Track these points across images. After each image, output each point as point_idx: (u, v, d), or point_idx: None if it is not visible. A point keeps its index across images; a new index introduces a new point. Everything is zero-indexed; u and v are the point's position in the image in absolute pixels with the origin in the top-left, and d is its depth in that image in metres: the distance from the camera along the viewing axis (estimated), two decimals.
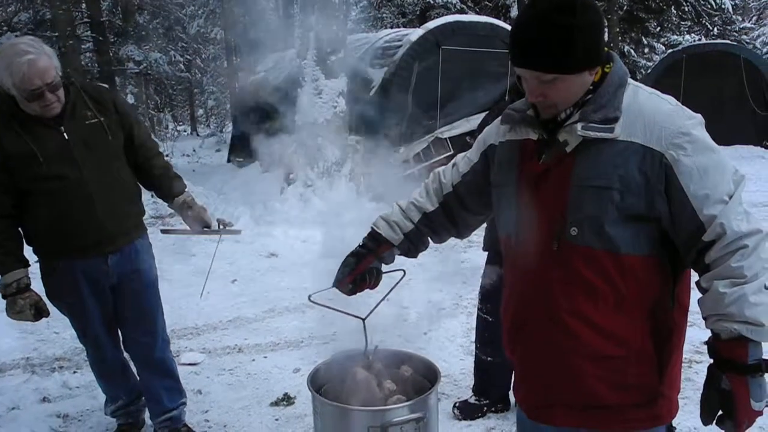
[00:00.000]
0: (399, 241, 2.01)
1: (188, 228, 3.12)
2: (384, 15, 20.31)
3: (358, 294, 2.05)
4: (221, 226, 3.09)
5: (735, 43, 16.08)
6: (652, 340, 1.65)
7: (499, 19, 14.46)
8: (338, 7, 8.52)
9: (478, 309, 3.37)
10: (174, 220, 7.98)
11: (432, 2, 17.29)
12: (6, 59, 2.50)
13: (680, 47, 15.59)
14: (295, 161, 8.59)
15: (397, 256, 2.07)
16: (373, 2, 19.09)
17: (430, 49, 9.52)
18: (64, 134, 2.67)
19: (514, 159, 1.77)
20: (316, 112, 8.50)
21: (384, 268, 2.06)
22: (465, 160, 1.98)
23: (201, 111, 32.58)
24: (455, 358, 4.11)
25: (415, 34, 9.64)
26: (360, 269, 1.99)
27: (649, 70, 16.34)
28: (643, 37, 19.95)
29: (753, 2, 32.38)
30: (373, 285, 2.02)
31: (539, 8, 1.58)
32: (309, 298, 1.99)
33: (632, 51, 19.69)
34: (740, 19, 26.23)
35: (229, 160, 13.41)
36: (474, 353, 3.47)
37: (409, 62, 9.37)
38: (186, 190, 3.12)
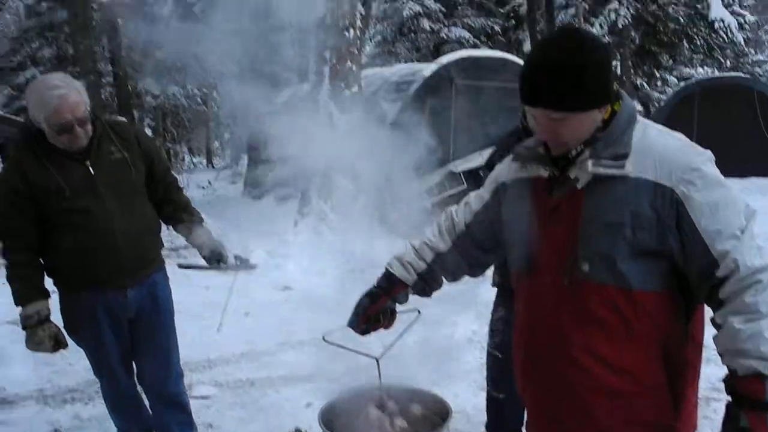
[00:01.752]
0: (413, 281, 2.02)
1: (205, 263, 3.14)
2: (399, 50, 20.57)
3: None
4: (238, 262, 3.11)
5: (749, 76, 16.09)
6: (665, 375, 1.64)
7: (512, 53, 14.62)
8: (353, 42, 8.65)
9: (488, 345, 3.35)
10: (188, 252, 8.02)
11: (445, 37, 17.52)
12: (38, 93, 2.59)
13: (693, 80, 15.62)
14: (309, 195, 8.65)
15: (411, 296, 2.08)
16: (387, 37, 19.35)
17: (444, 83, 9.63)
18: (90, 168, 2.74)
19: (526, 196, 1.79)
20: (330, 146, 8.57)
21: (398, 308, 2.07)
22: (477, 198, 2.00)
23: (217, 143, 32.98)
24: (468, 394, 4.07)
25: (428, 69, 9.76)
26: (374, 309, 2.00)
27: (662, 103, 16.37)
28: (655, 71, 20.04)
29: (766, 36, 32.49)
30: (388, 325, 2.03)
31: (548, 48, 1.61)
32: (323, 338, 2.00)
33: (645, 84, 19.76)
34: (753, 52, 26.30)
35: (244, 193, 13.51)
36: (486, 389, 3.43)
37: (423, 97, 9.47)
38: (204, 224, 3.17)
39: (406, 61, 18.25)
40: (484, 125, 9.93)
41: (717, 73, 18.88)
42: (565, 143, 1.67)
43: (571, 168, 1.68)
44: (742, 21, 17.66)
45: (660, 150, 1.61)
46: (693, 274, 1.58)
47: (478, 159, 9.73)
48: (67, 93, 2.58)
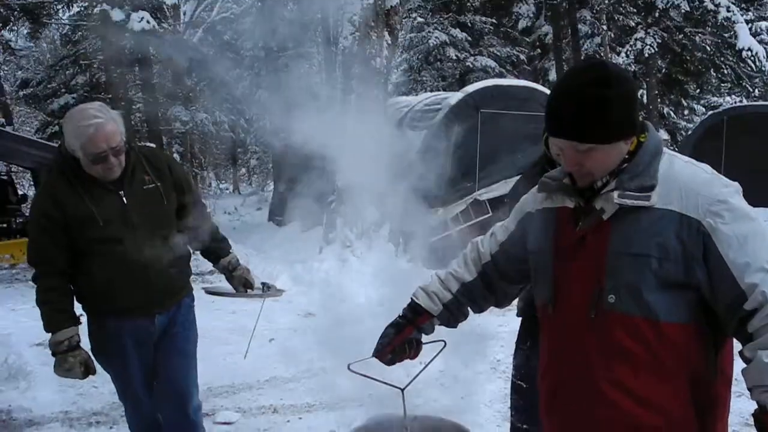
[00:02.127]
0: (438, 312, 2.01)
1: (232, 289, 3.15)
2: (424, 78, 20.73)
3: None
4: (265, 289, 3.13)
5: None
6: (693, 409, 1.62)
7: (538, 82, 14.64)
8: (380, 71, 8.75)
9: (513, 375, 3.32)
10: (214, 277, 8.09)
11: (471, 66, 17.64)
12: (75, 122, 2.61)
13: (721, 109, 15.47)
14: (334, 221, 8.70)
15: (437, 326, 2.08)
16: (414, 66, 19.53)
17: (470, 112, 9.66)
18: (123, 198, 2.75)
19: (551, 226, 1.79)
20: (356, 174, 8.64)
21: (424, 338, 2.07)
22: (502, 228, 2.00)
23: (243, 170, 33.36)
24: (492, 424, 4.03)
25: (454, 97, 9.81)
26: (399, 340, 2.00)
27: (689, 132, 16.23)
28: (682, 99, 19.92)
29: None
30: (413, 355, 2.03)
31: (575, 80, 1.63)
32: (348, 367, 2.00)
33: (672, 113, 19.63)
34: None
35: (269, 219, 13.64)
36: (510, 420, 3.39)
37: (449, 125, 9.50)
38: (231, 251, 3.18)
39: (432, 90, 18.40)
40: (509, 154, 9.92)
41: (745, 102, 18.72)
42: (591, 174, 1.67)
43: (597, 199, 1.68)
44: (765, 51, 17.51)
45: (686, 181, 1.61)
46: (721, 307, 1.57)
47: (503, 187, 9.71)
48: (103, 122, 2.59)
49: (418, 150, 9.58)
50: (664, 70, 17.65)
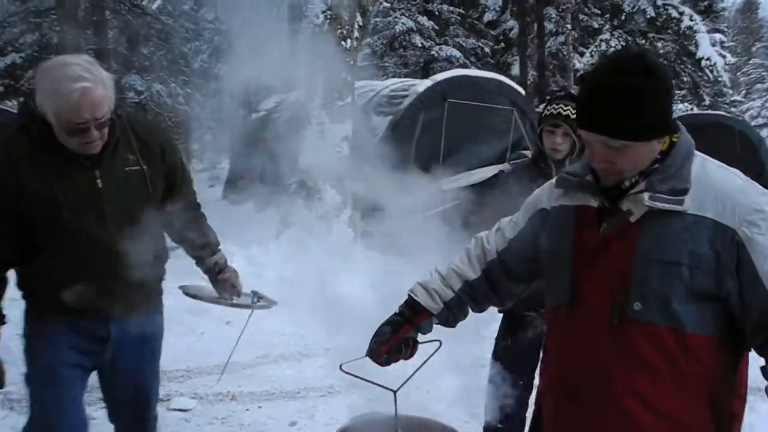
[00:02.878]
0: (438, 311, 1.88)
1: (215, 294, 2.68)
2: (387, 64, 20.56)
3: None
4: (255, 299, 2.71)
5: (730, 115, 16.35)
6: (713, 426, 1.55)
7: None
8: (349, 53, 8.56)
9: (490, 375, 3.24)
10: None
11: (436, 55, 17.55)
12: (54, 81, 2.03)
13: (676, 116, 15.83)
14: (293, 204, 8.49)
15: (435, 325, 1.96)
16: (377, 51, 19.31)
17: (437, 100, 9.56)
18: (98, 181, 2.18)
19: (569, 225, 1.68)
20: (319, 156, 8.45)
21: (419, 337, 1.94)
22: (511, 224, 1.89)
23: (197, 145, 32.58)
24: (459, 420, 3.94)
25: (422, 85, 9.70)
26: (396, 339, 1.86)
27: None
28: None
29: (743, 77, 33.26)
30: (409, 355, 1.89)
31: (612, 71, 1.51)
32: (340, 368, 1.86)
33: None
34: (731, 92, 26.86)
35: (224, 197, 13.28)
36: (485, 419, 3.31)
37: (415, 112, 9.39)
38: (220, 249, 2.66)
39: (394, 77, 18.26)
40: (474, 145, 9.88)
41: (696, 110, 19.21)
42: (620, 173, 1.57)
43: (624, 200, 1.58)
44: (723, 62, 17.99)
45: (721, 187, 1.53)
46: (749, 320, 1.50)
47: (467, 178, 9.69)
48: (91, 87, 2.02)
49: (383, 136, 9.46)
50: None
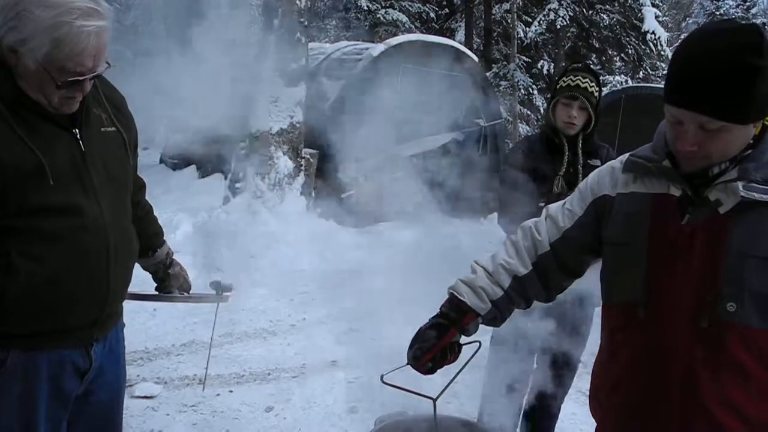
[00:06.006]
0: (486, 311, 1.68)
1: (168, 293, 2.24)
2: (328, 26, 20.01)
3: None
4: (219, 292, 2.38)
5: None
6: None
7: None
8: (303, 14, 8.15)
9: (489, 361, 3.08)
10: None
11: (382, 18, 17.12)
12: (58, 14, 1.52)
13: (620, 88, 16.07)
14: (243, 170, 8.10)
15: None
16: (319, 12, 18.70)
17: (391, 65, 9.29)
18: (80, 142, 1.70)
19: (644, 215, 1.50)
20: (271, 120, 8.07)
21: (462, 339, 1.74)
22: (564, 212, 1.69)
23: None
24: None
25: (376, 49, 9.41)
26: (442, 344, 1.65)
27: None
28: None
29: (672, 52, 34.19)
30: (453, 360, 1.69)
31: (719, 43, 1.32)
32: (382, 380, 1.66)
33: None
34: (664, 66, 27.61)
35: (161, 161, 12.66)
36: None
37: (369, 77, 9.10)
38: (165, 240, 2.22)
39: (335, 40, 17.77)
40: (428, 112, 9.70)
41: (630, 83, 19.58)
42: (708, 158, 1.40)
43: (711, 189, 1.42)
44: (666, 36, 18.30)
45: None
46: None
47: (419, 145, 9.54)
48: (106, 27, 1.59)
49: (334, 100, 9.15)
50: (570, 44, 18.02)
